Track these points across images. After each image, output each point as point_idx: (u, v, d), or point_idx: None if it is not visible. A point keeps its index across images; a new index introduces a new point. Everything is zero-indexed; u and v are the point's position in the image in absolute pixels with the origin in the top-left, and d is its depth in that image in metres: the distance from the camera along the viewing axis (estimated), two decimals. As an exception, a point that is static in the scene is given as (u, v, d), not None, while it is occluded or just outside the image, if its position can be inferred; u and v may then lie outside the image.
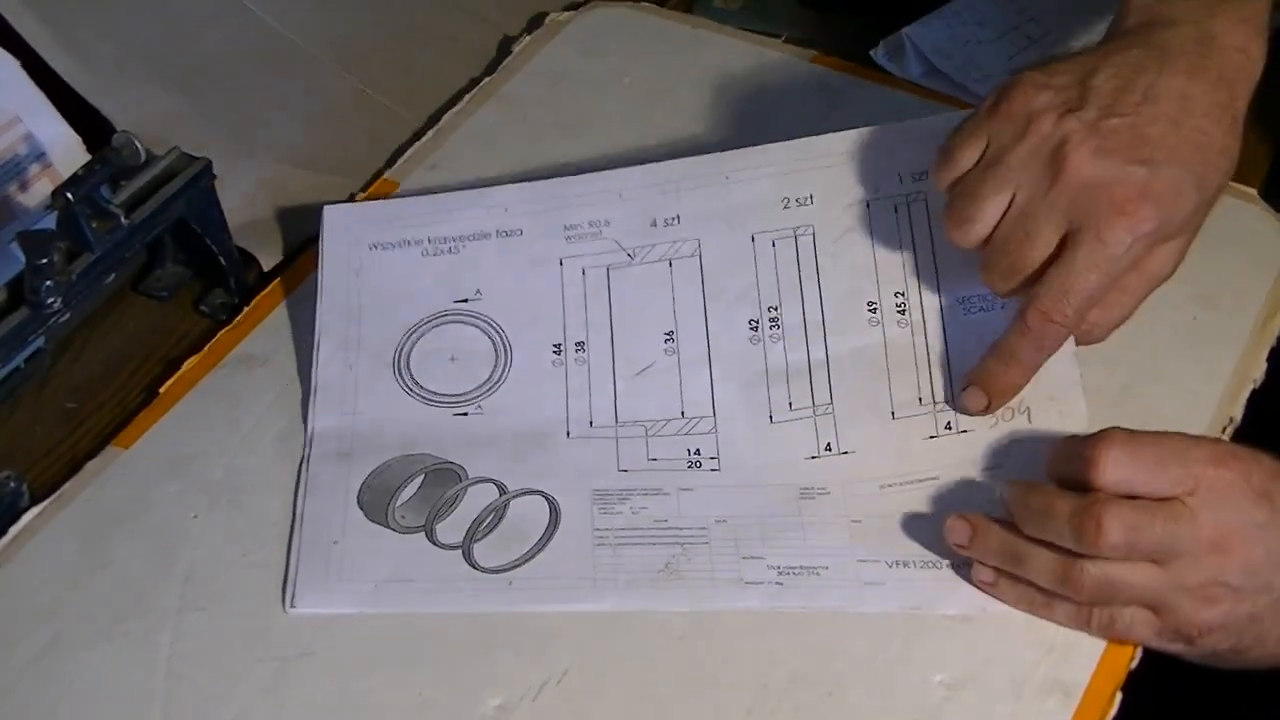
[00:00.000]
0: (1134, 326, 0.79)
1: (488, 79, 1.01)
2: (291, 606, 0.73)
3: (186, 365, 0.84)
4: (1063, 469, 0.70)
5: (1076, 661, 0.70)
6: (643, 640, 0.72)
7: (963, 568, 0.73)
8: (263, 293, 0.88)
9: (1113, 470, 0.67)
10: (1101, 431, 0.69)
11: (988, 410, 0.77)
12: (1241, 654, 0.69)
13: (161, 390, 0.83)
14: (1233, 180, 0.88)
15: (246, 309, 0.87)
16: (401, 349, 0.83)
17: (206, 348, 0.85)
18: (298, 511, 0.77)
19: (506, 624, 0.72)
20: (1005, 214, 0.74)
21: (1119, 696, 0.69)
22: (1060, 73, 0.75)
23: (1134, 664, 0.70)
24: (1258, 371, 0.82)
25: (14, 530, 0.76)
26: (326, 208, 0.86)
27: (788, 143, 0.84)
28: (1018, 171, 0.73)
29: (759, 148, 0.84)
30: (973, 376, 0.77)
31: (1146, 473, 0.68)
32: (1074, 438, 0.71)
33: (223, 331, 0.85)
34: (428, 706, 0.70)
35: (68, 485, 0.78)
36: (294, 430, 0.81)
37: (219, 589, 0.74)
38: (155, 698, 0.70)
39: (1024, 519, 0.70)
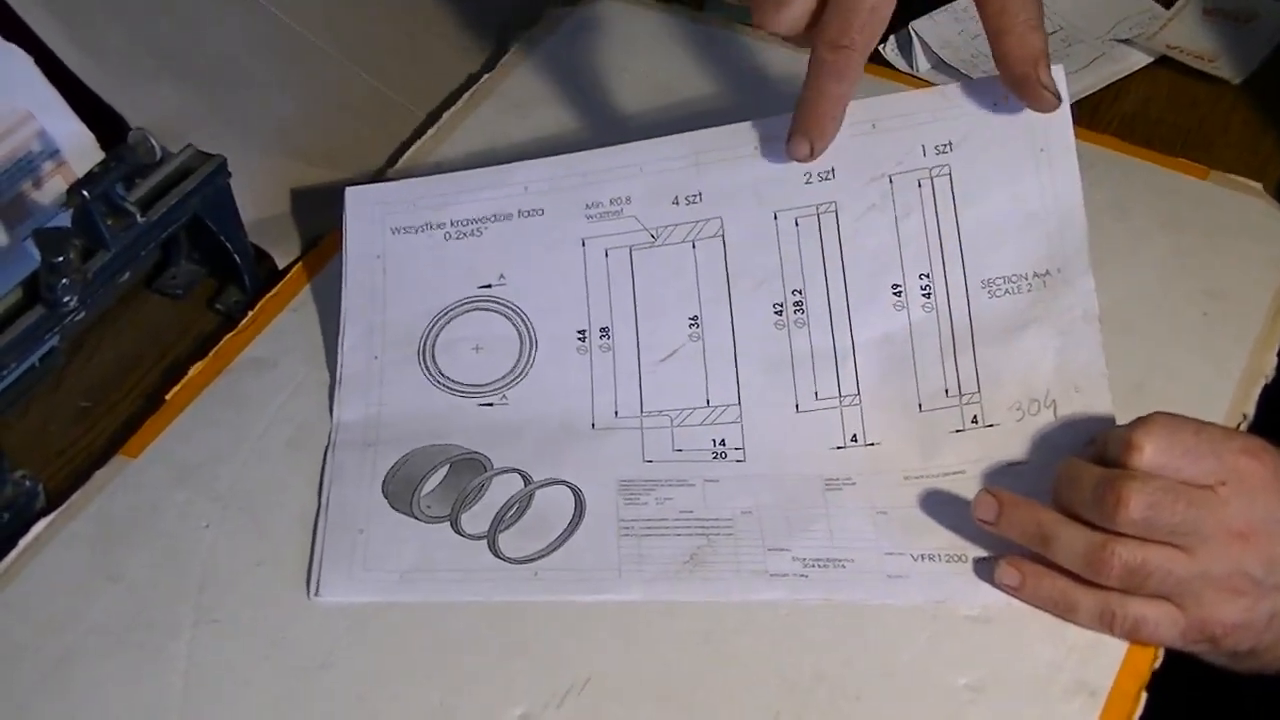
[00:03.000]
0: (1144, 323, 0.77)
1: (487, 76, 0.97)
2: (316, 595, 0.69)
3: (193, 370, 0.80)
4: (1104, 451, 0.67)
5: (1100, 662, 0.66)
6: (665, 646, 0.67)
7: (988, 562, 0.69)
8: (267, 295, 0.83)
9: (1152, 456, 0.65)
10: (1145, 418, 0.66)
11: (812, 155, 0.75)
12: (1258, 655, 0.67)
13: (168, 397, 0.78)
14: (1241, 175, 0.87)
15: (251, 313, 0.82)
16: (426, 338, 0.79)
17: (212, 352, 0.80)
18: (322, 499, 0.73)
19: (527, 632, 0.68)
20: None
21: (1144, 696, 0.65)
22: None
23: (1158, 664, 0.66)
24: (1269, 367, 0.78)
25: (22, 544, 0.72)
26: (348, 189, 0.82)
27: None
28: None
29: (781, 117, 0.79)
30: (792, 127, 0.75)
31: (1182, 462, 0.65)
32: (1121, 425, 0.68)
33: (228, 336, 0.81)
34: (449, 716, 0.65)
35: (76, 496, 0.74)
36: (304, 435, 0.77)
37: (234, 600, 0.70)
38: (172, 712, 0.66)
39: (1054, 487, 0.68)
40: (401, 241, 0.81)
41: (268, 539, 0.72)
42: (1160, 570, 0.64)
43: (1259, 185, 0.87)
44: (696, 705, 0.65)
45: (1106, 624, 0.66)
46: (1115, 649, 0.66)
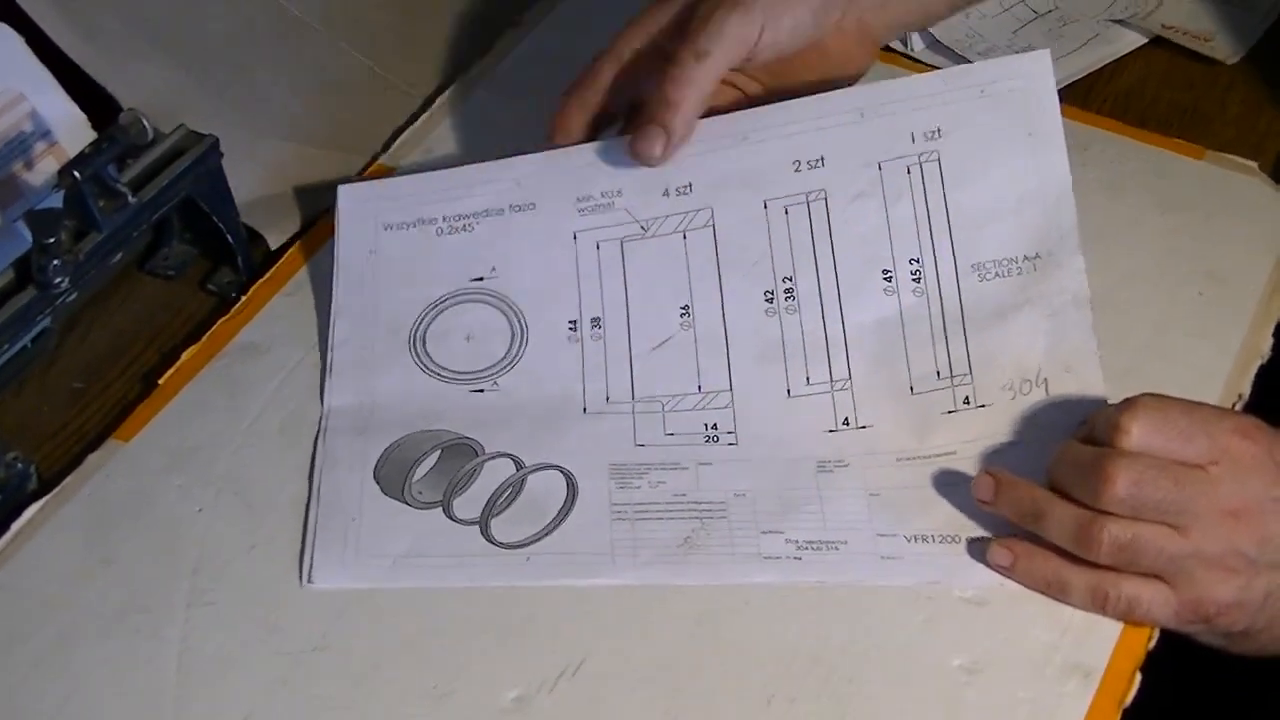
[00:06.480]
0: (1140, 304, 0.76)
1: (479, 62, 0.96)
2: (309, 582, 0.69)
3: (186, 355, 0.79)
4: (1093, 432, 0.67)
5: (1095, 643, 0.66)
6: (660, 629, 0.67)
7: (982, 542, 0.68)
8: (260, 280, 0.83)
9: (1140, 438, 0.65)
10: (1132, 400, 0.66)
11: (665, 151, 0.76)
12: (1253, 636, 0.66)
13: (161, 381, 0.78)
14: (1237, 155, 0.87)
15: (244, 297, 0.82)
16: (417, 329, 0.78)
17: (205, 337, 0.80)
18: (314, 486, 0.73)
19: (521, 615, 0.68)
20: None
21: (1138, 677, 0.65)
22: None
23: (1152, 644, 0.66)
24: (1265, 347, 0.78)
25: (16, 526, 0.71)
26: (341, 187, 0.82)
27: (796, 101, 0.79)
28: None
29: (766, 108, 0.79)
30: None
31: (1173, 443, 0.65)
32: (1110, 406, 0.67)
33: (221, 320, 0.81)
34: (444, 699, 0.65)
35: (69, 480, 0.74)
36: (297, 420, 0.76)
37: (228, 583, 0.69)
38: (166, 695, 0.65)
39: (1049, 467, 0.68)
40: (394, 238, 0.81)
41: (261, 523, 0.72)
42: (1151, 547, 0.64)
43: (1255, 165, 0.86)
44: (690, 688, 0.65)
45: (1099, 603, 0.66)
46: (1110, 630, 0.66)
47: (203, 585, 0.69)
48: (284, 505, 0.72)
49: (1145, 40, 0.96)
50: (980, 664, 0.65)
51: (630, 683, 0.65)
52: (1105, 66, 0.94)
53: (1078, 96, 0.80)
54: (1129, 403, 0.66)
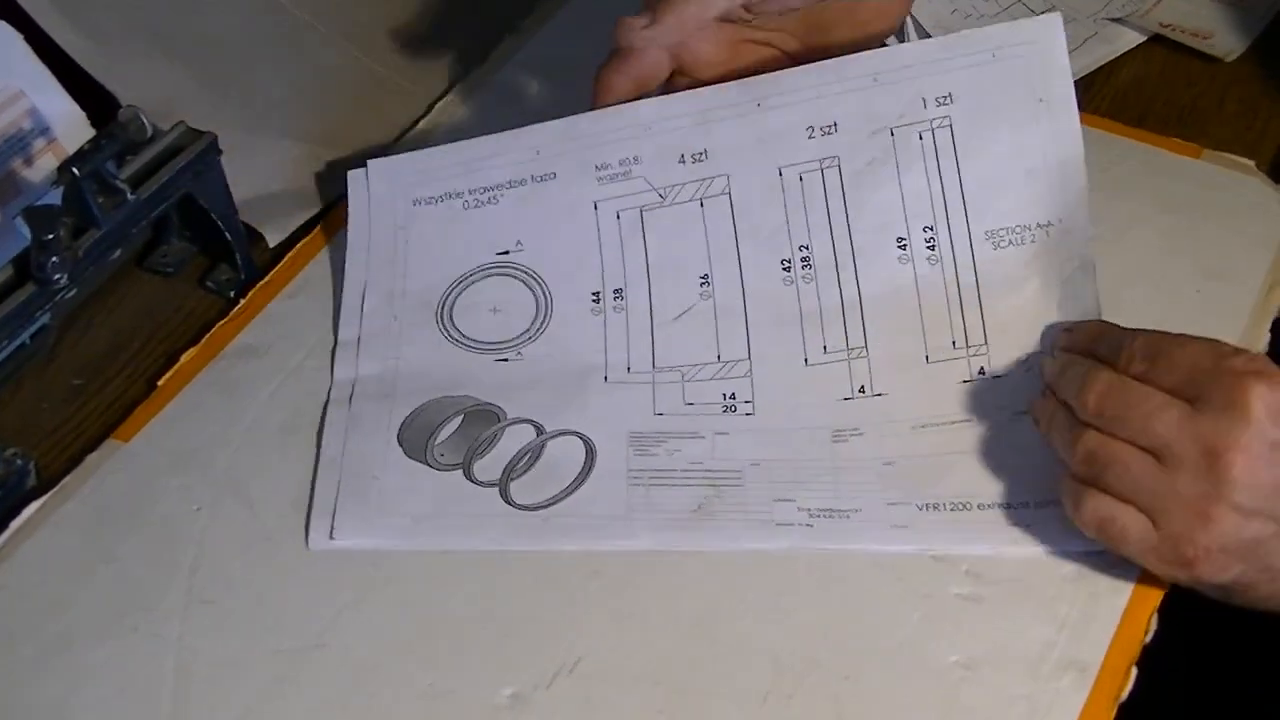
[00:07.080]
0: (1139, 303, 0.77)
1: (479, 67, 0.96)
2: (331, 539, 0.70)
3: (184, 358, 0.79)
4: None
5: (1091, 638, 0.66)
6: (656, 626, 0.67)
7: (991, 509, 0.70)
8: (259, 284, 0.83)
9: (1141, 353, 0.66)
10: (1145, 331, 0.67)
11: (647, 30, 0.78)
12: (1252, 589, 0.63)
13: (160, 383, 0.78)
14: (1235, 153, 0.87)
15: (243, 300, 0.82)
16: (444, 302, 0.79)
17: (204, 340, 0.80)
18: (341, 447, 0.74)
19: (518, 613, 0.68)
20: None
21: (1134, 672, 0.65)
22: None
23: (1148, 639, 0.66)
24: (1261, 343, 0.78)
25: (14, 525, 0.72)
26: (371, 162, 0.82)
27: (811, 65, 0.79)
28: None
29: (780, 73, 0.79)
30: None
31: (1164, 374, 0.64)
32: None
33: (220, 323, 0.81)
34: (440, 697, 0.65)
35: (68, 479, 0.74)
36: (296, 421, 0.76)
37: (226, 582, 0.69)
38: (164, 692, 0.65)
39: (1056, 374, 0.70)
40: (423, 213, 0.81)
41: (260, 522, 0.72)
42: (1122, 467, 0.63)
43: (1252, 163, 0.86)
44: (686, 686, 0.65)
45: (1074, 509, 0.65)
46: (1106, 625, 0.66)
47: (201, 584, 0.69)
48: (282, 505, 0.72)
49: (1143, 38, 0.96)
50: (976, 660, 0.65)
51: (627, 680, 0.65)
52: (1103, 65, 0.94)
53: (1076, 95, 0.80)
54: (1143, 331, 0.67)
